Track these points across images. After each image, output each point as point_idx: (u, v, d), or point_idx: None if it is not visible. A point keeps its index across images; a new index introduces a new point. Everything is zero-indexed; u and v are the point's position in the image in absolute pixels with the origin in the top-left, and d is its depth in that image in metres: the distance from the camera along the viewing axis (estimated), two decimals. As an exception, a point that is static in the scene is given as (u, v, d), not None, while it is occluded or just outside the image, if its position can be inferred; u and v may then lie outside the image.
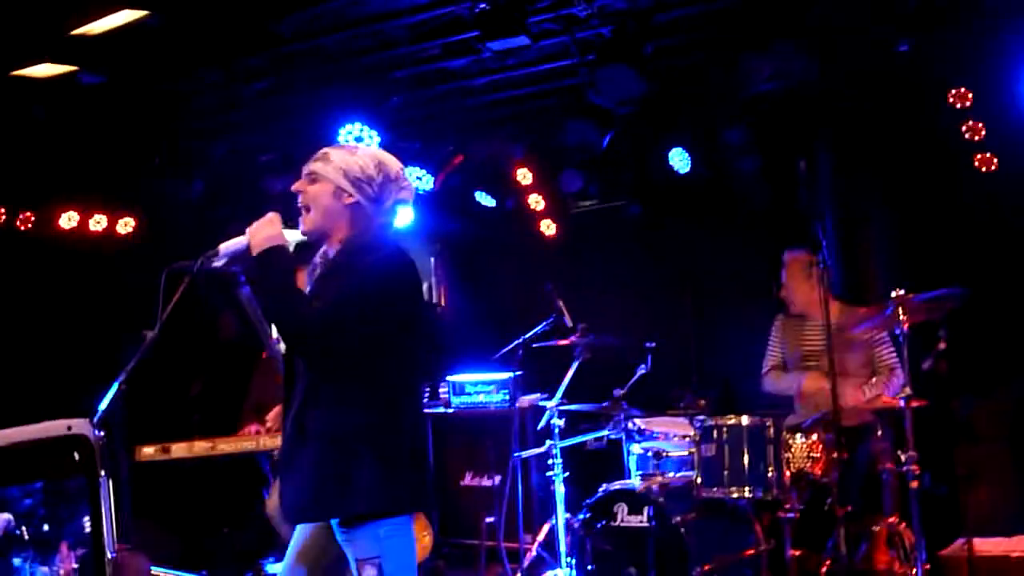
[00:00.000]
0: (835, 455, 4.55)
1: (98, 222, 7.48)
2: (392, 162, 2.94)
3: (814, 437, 4.68)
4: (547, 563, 5.65)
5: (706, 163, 6.53)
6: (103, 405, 3.76)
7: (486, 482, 6.66)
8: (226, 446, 5.78)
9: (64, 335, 7.40)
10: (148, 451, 5.60)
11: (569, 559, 5.09)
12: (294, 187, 2.89)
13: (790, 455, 4.67)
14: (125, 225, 7.63)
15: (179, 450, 5.70)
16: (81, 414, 3.52)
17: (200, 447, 5.75)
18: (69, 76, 5.45)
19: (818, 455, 4.65)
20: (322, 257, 2.92)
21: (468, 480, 6.75)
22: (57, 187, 7.14)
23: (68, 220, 7.32)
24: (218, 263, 2.82)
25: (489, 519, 6.16)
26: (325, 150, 2.91)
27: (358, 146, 2.98)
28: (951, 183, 5.86)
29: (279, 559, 4.03)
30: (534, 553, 5.73)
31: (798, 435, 4.72)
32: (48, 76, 5.45)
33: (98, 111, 6.12)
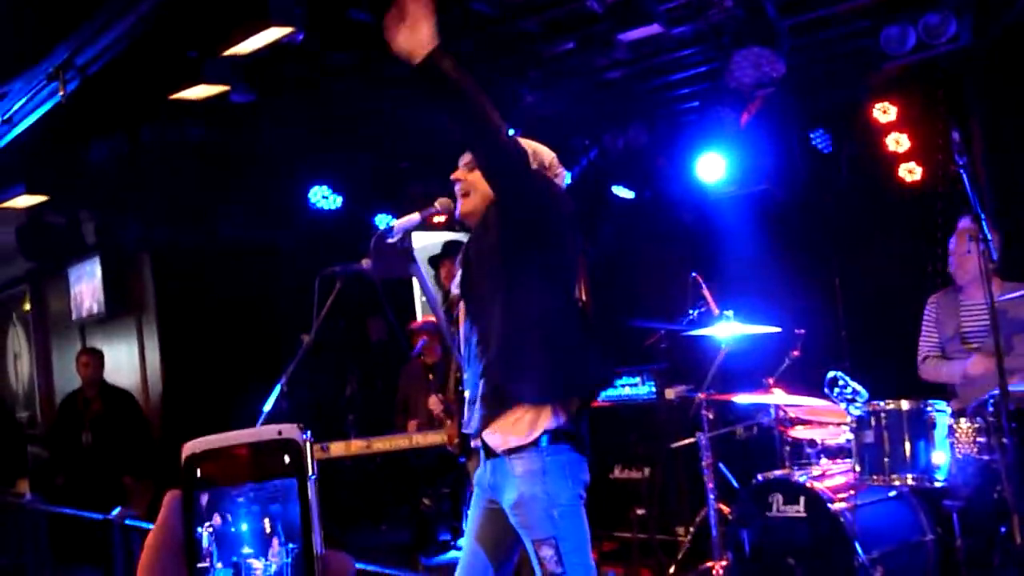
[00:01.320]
0: (1004, 439, 4.33)
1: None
2: (545, 151, 3.02)
3: (980, 420, 4.47)
4: (702, 555, 5.60)
5: (852, 141, 6.32)
6: (267, 406, 3.97)
7: (635, 474, 6.65)
8: (381, 444, 5.98)
9: (230, 342, 7.80)
10: (309, 450, 5.83)
11: (724, 551, 5.03)
12: (453, 175, 2.97)
13: (955, 440, 4.48)
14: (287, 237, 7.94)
15: (337, 449, 5.92)
16: (244, 415, 3.72)
17: (357, 446, 5.96)
18: (222, 96, 5.74)
19: (985, 439, 4.44)
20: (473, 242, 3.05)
21: (618, 473, 6.75)
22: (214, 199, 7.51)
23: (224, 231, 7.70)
24: (393, 238, 3.02)
25: (640, 511, 6.15)
26: None
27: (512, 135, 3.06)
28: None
29: (435, 554, 4.19)
30: (688, 544, 5.69)
31: (963, 419, 4.52)
32: (202, 98, 5.74)
33: (250, 130, 6.41)
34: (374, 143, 7.05)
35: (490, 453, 2.84)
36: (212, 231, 7.59)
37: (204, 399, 7.31)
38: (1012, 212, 5.72)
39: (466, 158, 2.97)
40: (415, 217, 3.03)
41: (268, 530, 0.80)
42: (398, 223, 3.03)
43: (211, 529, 0.82)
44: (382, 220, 7.77)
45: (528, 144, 2.98)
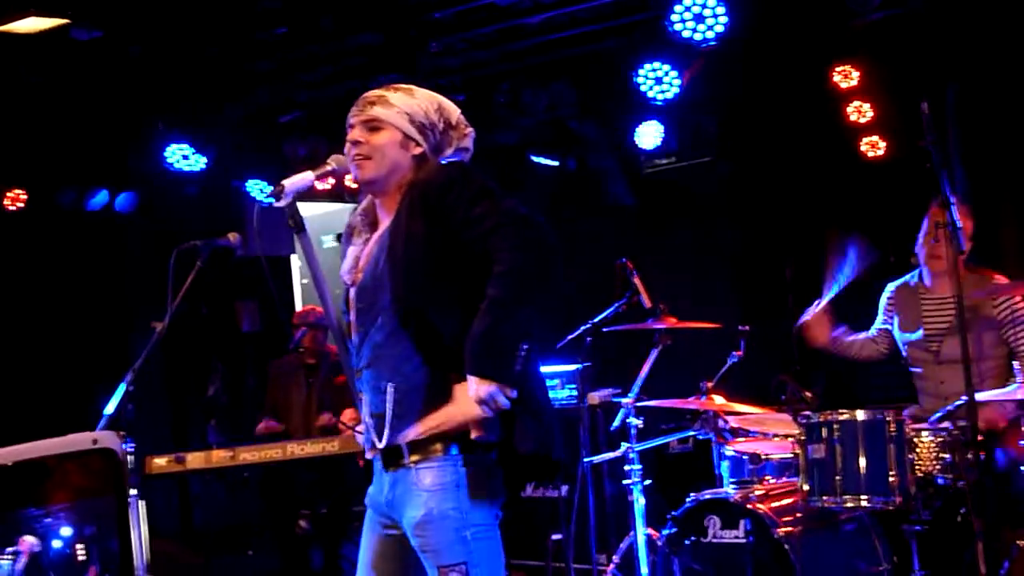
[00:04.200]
0: (970, 455, 4.47)
1: (95, 199, 7.63)
2: (451, 106, 3.01)
3: (944, 435, 4.60)
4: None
5: (810, 108, 6.45)
6: (110, 408, 3.86)
7: (551, 493, 6.68)
8: (249, 455, 5.88)
9: (60, 327, 7.57)
10: (160, 462, 5.71)
11: (652, 582, 5.09)
12: (352, 136, 2.92)
13: (915, 456, 4.61)
14: (125, 201, 7.78)
15: (196, 460, 5.81)
16: (83, 418, 3.61)
17: (219, 456, 5.86)
18: (60, 31, 5.55)
19: (949, 456, 4.58)
20: (365, 215, 3.02)
21: (530, 491, 6.78)
22: (51, 159, 7.29)
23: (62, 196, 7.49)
24: (282, 203, 2.96)
25: (556, 536, 6.18)
26: (380, 92, 2.95)
27: (414, 87, 3.02)
28: None
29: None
30: (611, 575, 5.74)
31: (924, 432, 4.65)
32: (36, 31, 5.55)
33: (93, 70, 6.22)
34: (247, 93, 6.91)
35: (391, 464, 2.83)
36: (41, 193, 7.35)
37: (27, 400, 7.08)
38: (983, 195, 5.91)
39: (370, 111, 2.91)
40: (308, 176, 2.96)
41: (82, 557, 0.76)
42: (289, 183, 2.95)
43: (13, 557, 0.77)
44: (255, 187, 7.63)
45: (435, 98, 2.97)
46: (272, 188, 2.97)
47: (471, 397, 2.65)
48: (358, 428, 4.71)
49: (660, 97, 6.22)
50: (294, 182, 2.94)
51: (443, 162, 2.94)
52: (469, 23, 6.15)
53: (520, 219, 2.69)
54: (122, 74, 6.35)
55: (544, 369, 6.98)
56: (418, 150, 2.92)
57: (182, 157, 7.16)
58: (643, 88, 6.22)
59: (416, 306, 2.77)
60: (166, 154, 7.11)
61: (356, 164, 2.92)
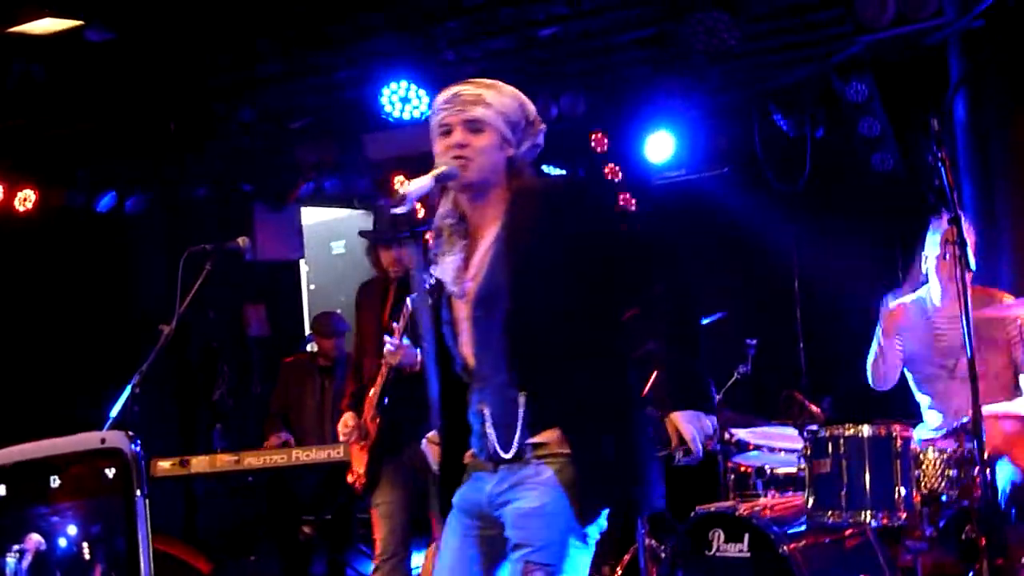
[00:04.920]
0: (976, 473, 4.47)
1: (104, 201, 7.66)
2: (528, 102, 2.97)
3: (950, 451, 4.60)
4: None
5: (820, 123, 6.46)
6: (115, 411, 3.87)
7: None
8: (253, 460, 5.90)
9: (68, 329, 7.59)
10: (164, 465, 5.74)
11: (655, 595, 5.09)
12: (455, 139, 2.81)
13: (921, 472, 4.60)
14: (135, 204, 7.81)
15: (200, 464, 5.83)
16: (90, 420, 3.62)
17: (223, 461, 5.88)
18: (74, 32, 5.58)
19: (955, 472, 4.57)
20: (456, 220, 2.92)
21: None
22: (60, 160, 7.32)
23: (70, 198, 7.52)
24: (402, 209, 2.76)
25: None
26: (475, 90, 2.86)
27: (498, 83, 2.94)
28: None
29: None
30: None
31: (930, 449, 4.64)
32: (50, 32, 5.58)
33: (106, 72, 6.25)
34: (258, 97, 6.94)
35: (516, 457, 2.80)
36: (51, 192, 7.38)
37: (33, 402, 7.10)
38: (991, 216, 5.91)
39: (467, 113, 2.82)
40: (427, 181, 2.79)
41: (88, 557, 0.77)
42: (410, 189, 2.78)
43: (19, 555, 0.78)
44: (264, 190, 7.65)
45: (516, 95, 2.92)
46: (392, 194, 2.97)
47: (684, 427, 2.81)
48: (349, 435, 4.83)
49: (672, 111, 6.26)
50: (415, 188, 2.77)
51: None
52: (483, 33, 6.17)
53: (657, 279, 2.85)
54: (134, 76, 6.38)
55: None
56: (511, 152, 2.86)
57: (195, 159, 7.19)
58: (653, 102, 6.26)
59: (542, 314, 2.75)
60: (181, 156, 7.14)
61: (459, 167, 2.81)
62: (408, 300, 4.54)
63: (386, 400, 4.77)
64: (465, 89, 2.85)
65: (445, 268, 2.88)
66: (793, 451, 5.04)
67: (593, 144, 7.34)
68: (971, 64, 5.93)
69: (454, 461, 2.96)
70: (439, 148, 2.85)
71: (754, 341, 5.54)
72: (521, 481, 2.77)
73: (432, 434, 3.14)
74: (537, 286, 2.74)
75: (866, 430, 4.66)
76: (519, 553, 2.72)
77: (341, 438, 4.98)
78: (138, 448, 0.76)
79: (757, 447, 5.33)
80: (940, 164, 3.97)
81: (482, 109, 2.82)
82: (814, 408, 5.21)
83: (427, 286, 2.92)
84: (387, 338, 4.63)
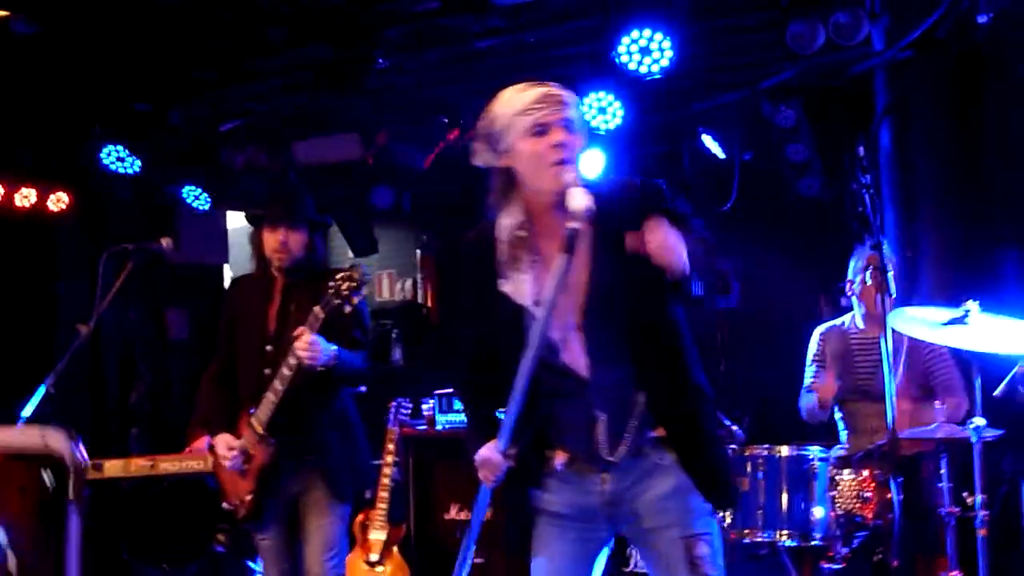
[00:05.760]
0: (889, 495, 4.55)
1: (26, 196, 7.51)
2: None
3: (865, 473, 4.68)
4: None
5: (746, 148, 6.55)
6: (28, 411, 3.79)
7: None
8: (169, 465, 5.81)
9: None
10: (77, 468, 5.60)
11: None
12: (557, 139, 2.72)
13: (836, 493, 4.68)
14: (58, 201, 7.66)
15: (114, 468, 5.73)
16: (2, 419, 3.54)
17: (138, 465, 5.78)
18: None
19: (870, 494, 4.65)
20: (525, 230, 2.82)
21: (454, 513, 6.75)
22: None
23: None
24: (579, 224, 2.61)
25: (479, 560, 6.17)
26: (564, 91, 2.80)
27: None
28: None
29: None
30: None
31: (846, 470, 4.72)
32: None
33: (31, 67, 6.13)
34: (187, 99, 6.85)
35: (635, 453, 2.81)
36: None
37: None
38: (913, 240, 6.04)
39: (566, 113, 2.74)
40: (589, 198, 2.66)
41: (13, 564, 0.74)
42: (590, 203, 2.64)
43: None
44: (190, 192, 7.55)
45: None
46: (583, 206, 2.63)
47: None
48: (233, 461, 4.18)
49: (604, 127, 6.28)
50: (590, 203, 2.64)
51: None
52: (420, 43, 6.16)
53: None
54: (60, 71, 6.27)
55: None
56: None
57: (117, 159, 7.06)
58: (587, 117, 6.27)
59: (653, 313, 2.79)
60: (101, 155, 7.01)
61: (562, 169, 2.71)
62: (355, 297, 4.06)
63: (281, 418, 4.13)
64: (552, 89, 2.78)
65: (520, 284, 2.80)
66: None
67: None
68: (897, 93, 6.07)
69: (531, 469, 2.90)
70: (535, 148, 2.74)
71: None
72: (648, 472, 2.82)
73: None
74: (643, 287, 2.70)
75: (784, 451, 4.73)
76: (671, 533, 2.80)
77: (225, 463, 4.24)
78: (82, 454, 0.72)
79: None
80: (864, 191, 4.05)
81: (574, 111, 2.78)
82: (734, 427, 5.27)
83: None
84: (302, 329, 4.04)
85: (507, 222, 2.84)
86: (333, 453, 4.29)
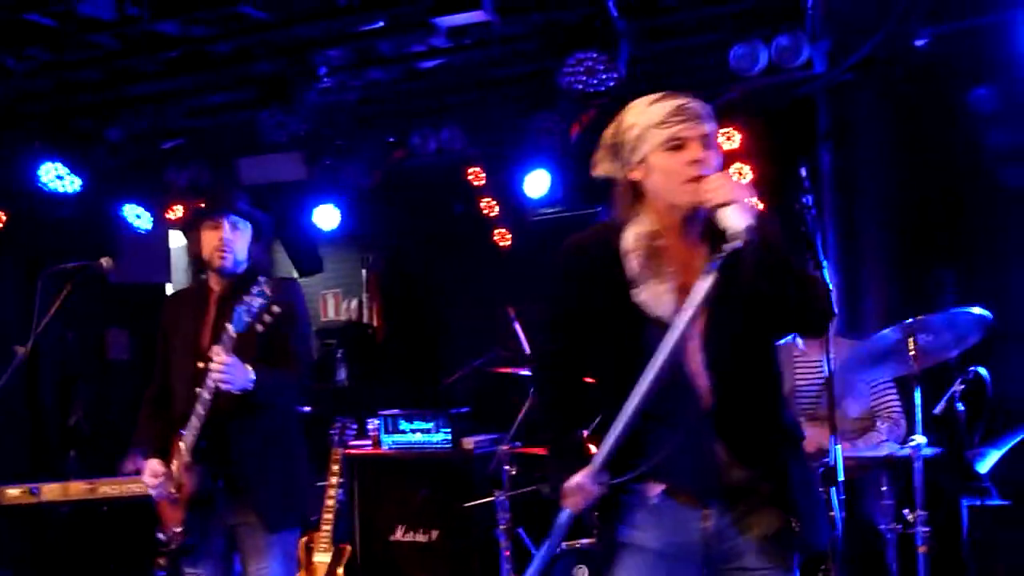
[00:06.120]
0: (832, 514, 4.60)
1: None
2: None
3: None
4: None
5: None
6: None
7: (421, 537, 6.64)
8: (109, 488, 5.73)
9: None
10: (13, 493, 5.54)
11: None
12: (694, 156, 2.63)
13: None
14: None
15: (51, 492, 5.64)
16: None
17: (77, 489, 5.69)
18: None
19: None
20: (658, 239, 2.71)
21: (399, 535, 6.72)
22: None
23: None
24: (739, 244, 2.49)
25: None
26: (698, 103, 2.70)
27: None
28: (978, 197, 6.00)
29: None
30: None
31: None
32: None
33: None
34: (129, 116, 6.78)
35: (748, 486, 2.68)
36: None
37: None
38: (853, 263, 6.12)
39: (705, 127, 2.66)
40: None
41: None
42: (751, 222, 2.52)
43: None
44: (131, 211, 7.46)
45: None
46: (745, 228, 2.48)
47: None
48: (159, 488, 3.91)
49: (556, 146, 6.32)
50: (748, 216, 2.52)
51: None
52: (364, 62, 6.15)
53: None
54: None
55: (422, 412, 6.93)
56: None
57: (56, 177, 6.95)
58: (531, 138, 6.33)
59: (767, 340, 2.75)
60: (39, 173, 6.90)
61: (698, 186, 2.60)
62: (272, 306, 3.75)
63: (203, 443, 3.88)
64: (689, 102, 2.68)
65: (660, 295, 2.67)
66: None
67: (471, 178, 7.38)
68: (839, 115, 6.17)
69: (621, 499, 2.74)
70: (671, 163, 2.65)
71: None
72: (752, 508, 2.68)
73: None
74: (759, 310, 2.60)
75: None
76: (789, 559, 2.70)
77: (150, 491, 4.02)
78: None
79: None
80: (806, 212, 4.09)
81: (711, 125, 2.69)
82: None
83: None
84: (216, 350, 3.76)
85: (638, 230, 2.72)
86: (267, 481, 3.95)
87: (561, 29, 5.42)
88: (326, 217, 7.54)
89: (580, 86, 5.48)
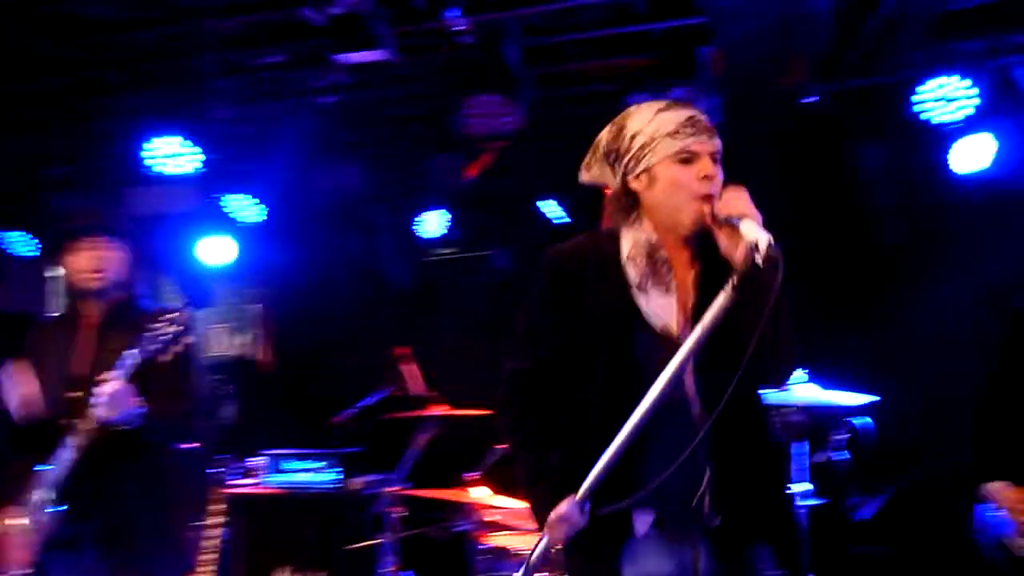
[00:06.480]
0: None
1: None
2: None
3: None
4: None
5: (586, 212, 6.66)
6: None
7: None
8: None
9: None
10: None
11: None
12: (706, 171, 2.50)
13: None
14: None
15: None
16: None
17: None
18: None
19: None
20: (660, 248, 2.56)
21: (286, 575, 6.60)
22: None
23: None
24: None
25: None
26: (706, 119, 2.56)
27: None
28: (861, 252, 6.18)
29: None
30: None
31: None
32: None
33: None
34: (11, 140, 6.60)
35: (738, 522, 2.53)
36: None
37: None
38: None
39: (717, 143, 2.53)
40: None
41: None
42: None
43: None
44: (16, 238, 7.24)
45: None
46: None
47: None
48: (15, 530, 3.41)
49: (452, 187, 6.35)
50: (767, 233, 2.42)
51: None
52: (262, 94, 6.11)
53: None
54: None
55: (310, 451, 6.80)
56: None
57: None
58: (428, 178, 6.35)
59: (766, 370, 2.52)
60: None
61: (705, 205, 2.48)
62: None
63: (74, 480, 3.48)
64: (699, 114, 2.56)
65: (659, 304, 2.52)
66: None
67: (369, 216, 7.34)
68: (730, 169, 6.30)
69: (607, 530, 2.51)
70: (680, 177, 2.51)
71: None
72: (739, 541, 2.52)
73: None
74: (744, 332, 2.36)
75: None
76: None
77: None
78: None
79: (512, 527, 5.37)
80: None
81: (720, 141, 2.55)
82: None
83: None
84: (107, 376, 3.42)
85: (639, 237, 2.57)
86: (146, 528, 3.63)
87: (461, 72, 5.46)
88: (216, 250, 7.41)
89: (479, 129, 5.51)
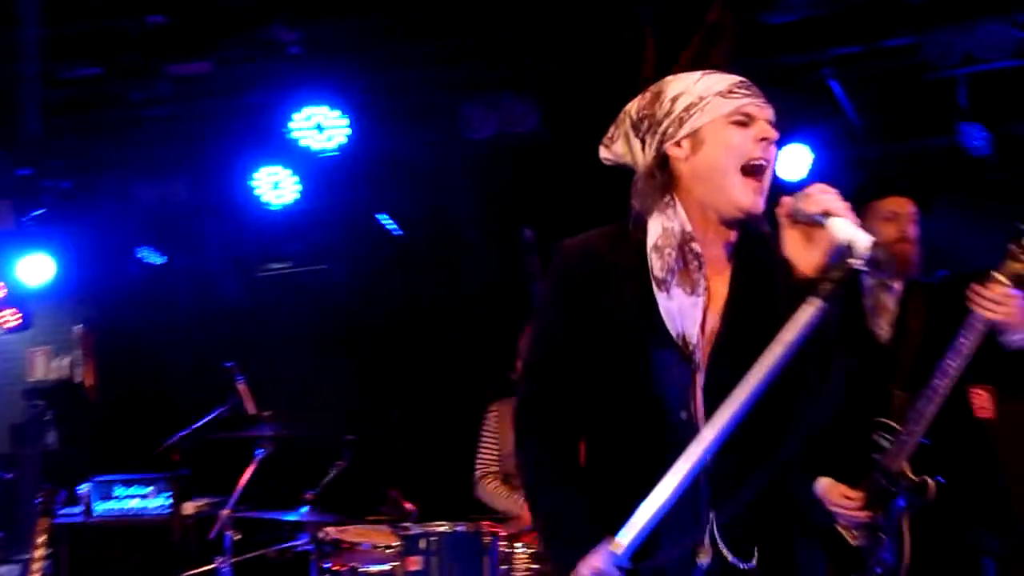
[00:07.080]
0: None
1: None
2: None
3: (537, 546, 4.82)
4: None
5: (424, 227, 6.68)
6: None
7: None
8: None
9: None
10: None
11: None
12: (766, 133, 2.17)
13: (510, 567, 4.78)
14: None
15: None
16: None
17: None
18: None
19: (539, 567, 4.80)
20: (695, 251, 2.20)
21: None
22: None
23: None
24: (860, 263, 1.97)
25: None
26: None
27: None
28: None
29: None
30: None
31: (518, 544, 4.85)
32: None
33: None
34: None
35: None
36: None
37: None
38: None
39: (769, 111, 2.20)
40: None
41: None
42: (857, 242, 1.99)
43: None
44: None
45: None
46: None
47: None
48: None
49: (278, 202, 6.26)
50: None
51: None
52: (87, 104, 5.92)
53: None
54: None
55: (138, 477, 6.63)
56: None
57: None
58: (258, 192, 6.26)
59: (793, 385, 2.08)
60: None
61: (763, 175, 2.19)
62: None
63: None
64: (752, 84, 2.24)
65: (680, 305, 2.17)
66: (388, 548, 5.09)
67: (199, 229, 7.19)
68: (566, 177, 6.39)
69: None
70: (734, 139, 2.17)
71: (351, 437, 5.57)
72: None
73: None
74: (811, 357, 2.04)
75: (455, 527, 4.80)
76: None
77: None
78: None
79: (352, 546, 5.32)
80: (534, 273, 4.23)
81: (773, 112, 2.23)
82: (408, 505, 5.30)
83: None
84: None
85: (670, 225, 2.21)
86: None
87: (292, 83, 5.42)
88: (35, 269, 7.10)
89: (309, 140, 5.47)
